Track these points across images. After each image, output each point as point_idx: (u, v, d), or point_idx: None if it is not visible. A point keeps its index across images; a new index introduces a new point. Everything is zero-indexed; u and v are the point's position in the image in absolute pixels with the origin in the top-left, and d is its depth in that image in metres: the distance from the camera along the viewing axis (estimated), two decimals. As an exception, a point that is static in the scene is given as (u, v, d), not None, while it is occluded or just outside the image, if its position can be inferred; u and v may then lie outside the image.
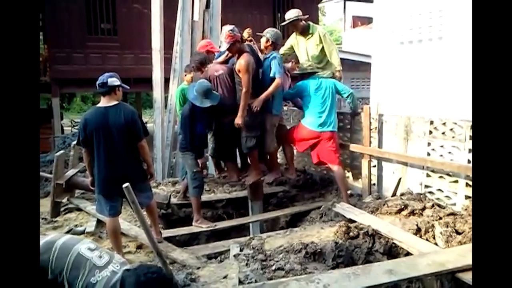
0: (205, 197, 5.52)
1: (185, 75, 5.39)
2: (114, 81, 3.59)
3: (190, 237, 4.93)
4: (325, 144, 4.89)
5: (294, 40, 5.46)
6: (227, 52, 4.75)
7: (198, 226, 4.65)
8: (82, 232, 4.25)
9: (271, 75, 4.66)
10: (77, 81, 11.97)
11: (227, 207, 5.53)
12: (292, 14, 5.24)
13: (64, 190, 5.02)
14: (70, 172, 5.27)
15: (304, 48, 5.33)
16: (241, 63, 4.49)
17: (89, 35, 12.38)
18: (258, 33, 5.12)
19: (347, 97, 5.13)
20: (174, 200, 5.27)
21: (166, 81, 7.60)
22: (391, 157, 4.81)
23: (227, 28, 4.49)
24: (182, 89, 5.35)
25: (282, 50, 5.54)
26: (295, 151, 5.58)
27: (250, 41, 5.25)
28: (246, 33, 5.32)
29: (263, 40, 4.92)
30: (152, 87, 7.70)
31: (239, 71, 4.53)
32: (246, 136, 4.70)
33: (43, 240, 2.33)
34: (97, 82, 3.58)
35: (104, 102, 3.60)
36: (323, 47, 5.23)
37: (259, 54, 4.91)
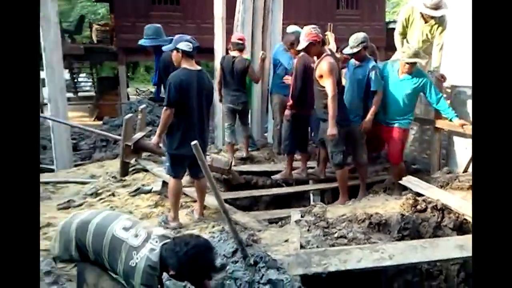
0: (265, 166, 5.58)
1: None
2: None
3: (250, 203, 5.03)
4: None
5: (411, 15, 4.97)
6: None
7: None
8: (149, 191, 4.45)
9: (373, 88, 4.37)
10: (142, 50, 12.32)
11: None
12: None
13: (132, 152, 5.23)
14: (138, 135, 5.48)
15: (419, 30, 4.94)
16: (322, 67, 4.10)
17: (153, 4, 12.65)
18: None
19: None
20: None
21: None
22: (465, 131, 4.51)
23: (310, 26, 4.19)
24: None
25: (398, 30, 5.11)
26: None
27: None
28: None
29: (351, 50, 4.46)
30: (212, 57, 7.74)
31: (320, 76, 4.17)
32: (332, 151, 4.40)
33: (78, 219, 2.26)
34: (193, 45, 3.57)
35: (189, 65, 3.61)
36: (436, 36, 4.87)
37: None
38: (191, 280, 2.27)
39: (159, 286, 2.21)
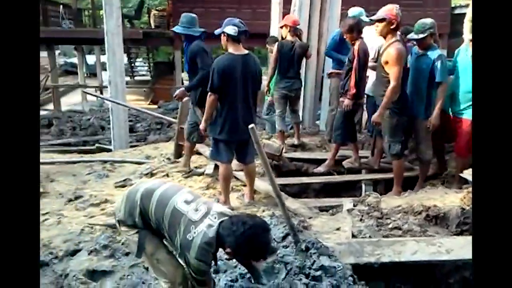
0: (316, 154, 5.51)
1: None
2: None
3: (299, 190, 5.00)
4: None
5: None
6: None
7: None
8: (202, 174, 4.53)
9: (438, 79, 4.07)
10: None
11: (337, 165, 5.41)
12: None
13: (186, 135, 5.36)
14: (192, 118, 5.60)
15: None
16: (390, 53, 3.89)
17: (209, -11, 12.76)
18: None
19: None
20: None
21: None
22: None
23: (395, 5, 3.97)
24: None
25: (469, 16, 4.61)
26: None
27: None
28: None
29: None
30: (265, 42, 7.68)
31: (386, 62, 3.96)
32: (389, 141, 4.21)
33: (143, 187, 2.30)
34: (239, 29, 3.48)
35: (236, 50, 3.55)
36: None
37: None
38: (246, 259, 2.29)
39: (213, 261, 2.25)
